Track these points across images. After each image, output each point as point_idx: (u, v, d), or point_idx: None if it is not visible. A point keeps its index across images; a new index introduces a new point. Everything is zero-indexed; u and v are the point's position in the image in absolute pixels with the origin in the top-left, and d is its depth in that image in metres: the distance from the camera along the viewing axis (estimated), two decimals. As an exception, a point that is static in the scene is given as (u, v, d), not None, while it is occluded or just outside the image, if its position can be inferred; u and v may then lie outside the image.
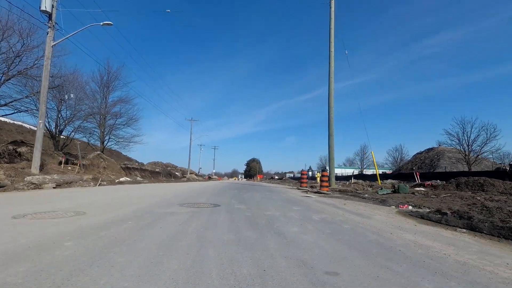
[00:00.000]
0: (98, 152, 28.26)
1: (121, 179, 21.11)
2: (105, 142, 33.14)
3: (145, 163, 63.82)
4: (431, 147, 35.96)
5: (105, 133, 32.91)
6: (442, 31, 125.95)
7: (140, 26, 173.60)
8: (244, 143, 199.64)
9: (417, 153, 37.75)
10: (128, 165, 34.32)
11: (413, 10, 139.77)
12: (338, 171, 60.49)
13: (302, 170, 15.09)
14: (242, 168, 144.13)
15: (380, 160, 61.96)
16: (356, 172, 57.09)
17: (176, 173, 63.31)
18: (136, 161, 51.82)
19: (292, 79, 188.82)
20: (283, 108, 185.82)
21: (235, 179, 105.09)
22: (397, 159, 44.57)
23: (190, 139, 44.96)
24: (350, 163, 68.28)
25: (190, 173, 55.23)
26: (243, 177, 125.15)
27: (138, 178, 24.13)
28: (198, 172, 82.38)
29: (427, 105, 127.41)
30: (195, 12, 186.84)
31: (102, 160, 28.24)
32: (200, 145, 78.87)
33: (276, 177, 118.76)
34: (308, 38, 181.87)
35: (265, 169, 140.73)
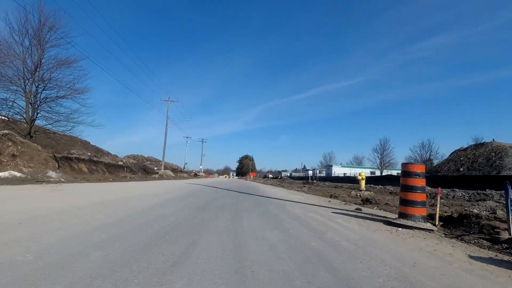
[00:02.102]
0: (4, 132, 18.29)
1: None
2: (40, 120, 23.14)
3: (120, 156, 53.83)
4: (481, 142, 27.40)
5: (36, 107, 22.76)
6: (435, 34, 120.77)
7: (134, 21, 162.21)
8: (237, 141, 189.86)
9: (458, 150, 29.06)
10: (69, 155, 24.38)
11: (408, 13, 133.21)
12: (347, 171, 51.30)
13: (408, 164, 3.48)
14: (234, 166, 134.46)
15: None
16: (367, 172, 47.84)
17: (155, 168, 53.88)
18: (99, 151, 41.59)
19: (287, 78, 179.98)
20: (277, 106, 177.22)
21: (225, 177, 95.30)
22: (424, 157, 35.97)
23: (166, 124, 35.12)
24: (358, 162, 59.50)
25: (166, 168, 45.40)
26: (234, 175, 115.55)
27: (51, 174, 14.31)
28: (184, 167, 72.39)
29: (420, 106, 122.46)
30: (191, 9, 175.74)
31: (11, 144, 18.20)
32: (186, 137, 68.83)
33: (270, 175, 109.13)
34: (304, 38, 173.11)
35: (258, 167, 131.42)
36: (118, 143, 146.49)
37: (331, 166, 53.70)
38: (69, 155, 24.14)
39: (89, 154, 28.41)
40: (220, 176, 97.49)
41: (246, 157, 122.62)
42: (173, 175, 33.80)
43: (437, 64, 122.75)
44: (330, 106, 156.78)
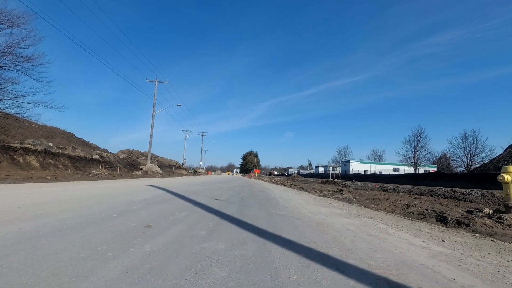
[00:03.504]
0: None
1: None
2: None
3: (113, 151, 48.24)
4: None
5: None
6: (442, 30, 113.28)
7: (137, 17, 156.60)
8: (241, 138, 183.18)
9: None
10: (12, 145, 18.05)
11: (413, 9, 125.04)
12: (367, 167, 43.87)
13: None
14: (239, 162, 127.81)
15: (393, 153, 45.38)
16: (389, 169, 40.27)
17: (148, 164, 47.74)
18: (86, 144, 35.36)
19: (291, 75, 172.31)
20: (282, 103, 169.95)
21: (228, 174, 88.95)
22: (468, 151, 28.83)
23: (153, 110, 28.38)
24: (377, 157, 51.91)
25: (160, 164, 39.19)
26: (238, 172, 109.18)
27: None
28: (183, 163, 66.03)
29: (425, 104, 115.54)
30: (194, 5, 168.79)
31: None
32: (185, 130, 62.44)
33: (276, 172, 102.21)
34: (308, 34, 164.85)
35: (262, 164, 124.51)
36: (124, 140, 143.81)
37: (348, 162, 46.03)
38: (11, 145, 17.75)
39: (50, 144, 22.03)
40: (223, 173, 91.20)
41: (250, 153, 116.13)
42: (160, 172, 27.30)
43: (445, 60, 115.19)
44: (335, 103, 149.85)
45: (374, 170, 39.25)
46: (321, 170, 56.76)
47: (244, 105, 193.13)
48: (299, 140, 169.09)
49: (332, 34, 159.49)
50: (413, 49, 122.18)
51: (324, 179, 24.51)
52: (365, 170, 39.42)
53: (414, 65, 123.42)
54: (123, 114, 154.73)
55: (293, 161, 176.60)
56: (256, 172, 66.61)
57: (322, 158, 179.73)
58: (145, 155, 62.56)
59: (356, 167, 42.61)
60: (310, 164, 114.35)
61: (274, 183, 22.07)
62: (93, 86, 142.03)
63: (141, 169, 26.15)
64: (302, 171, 73.16)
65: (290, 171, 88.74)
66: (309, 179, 37.17)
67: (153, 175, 25.05)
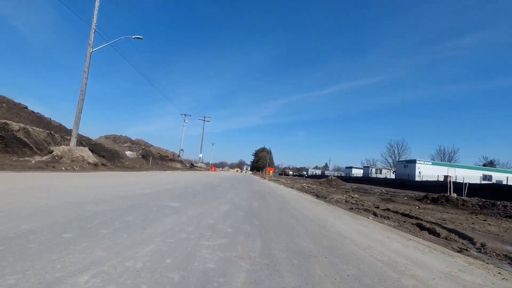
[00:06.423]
0: None
1: None
2: None
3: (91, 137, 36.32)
4: None
5: None
6: (465, 34, 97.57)
7: (150, 13, 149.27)
8: (253, 135, 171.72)
9: None
10: None
11: (435, 10, 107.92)
12: (443, 171, 28.77)
13: None
14: (250, 159, 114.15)
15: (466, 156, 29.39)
16: (488, 176, 25.49)
17: (126, 152, 35.11)
18: (44, 122, 23.06)
19: (306, 74, 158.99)
20: (295, 102, 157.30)
21: (237, 171, 75.74)
22: None
23: (90, 42, 15.03)
24: (445, 158, 36.82)
25: (146, 155, 26.28)
26: (248, 169, 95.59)
27: None
28: (180, 155, 53.19)
29: (443, 108, 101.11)
30: (207, 2, 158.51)
31: None
32: (184, 114, 49.48)
33: (291, 172, 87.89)
34: (325, 34, 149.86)
35: (274, 162, 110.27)
36: (138, 131, 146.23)
37: (414, 162, 30.37)
38: None
39: None
40: (230, 170, 78.13)
41: (263, 150, 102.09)
42: (92, 160, 14.00)
43: (467, 65, 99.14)
44: (350, 103, 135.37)
45: (455, 175, 24.67)
46: (356, 172, 42.16)
47: (256, 102, 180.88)
48: (312, 140, 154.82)
49: (349, 34, 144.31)
50: (433, 52, 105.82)
51: (432, 194, 10.51)
52: (447, 176, 24.87)
53: (434, 69, 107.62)
54: (138, 106, 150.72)
55: (306, 161, 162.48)
56: (269, 170, 52.93)
57: (338, 159, 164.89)
58: (135, 142, 49.80)
59: (426, 170, 27.61)
60: (326, 164, 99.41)
61: (353, 208, 8.34)
62: (109, 79, 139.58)
63: (50, 152, 12.92)
64: (329, 173, 58.39)
65: (310, 171, 73.89)
66: (364, 185, 22.95)
67: (69, 164, 11.95)
